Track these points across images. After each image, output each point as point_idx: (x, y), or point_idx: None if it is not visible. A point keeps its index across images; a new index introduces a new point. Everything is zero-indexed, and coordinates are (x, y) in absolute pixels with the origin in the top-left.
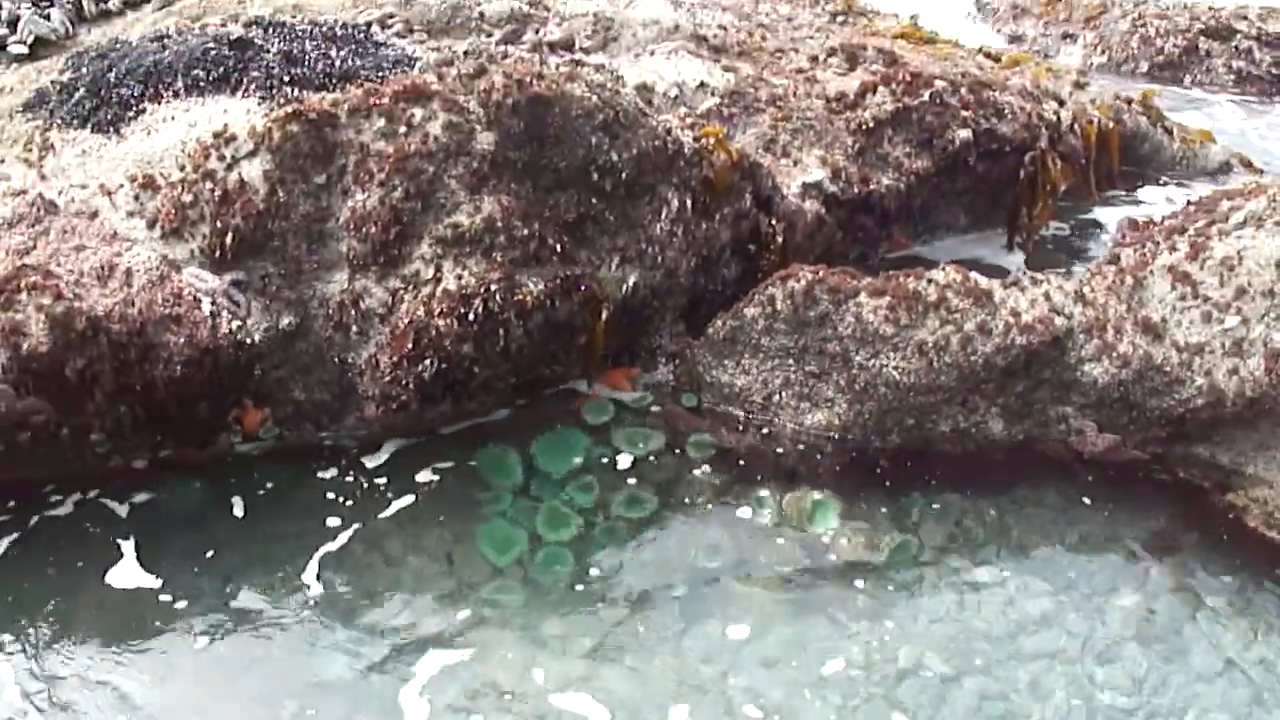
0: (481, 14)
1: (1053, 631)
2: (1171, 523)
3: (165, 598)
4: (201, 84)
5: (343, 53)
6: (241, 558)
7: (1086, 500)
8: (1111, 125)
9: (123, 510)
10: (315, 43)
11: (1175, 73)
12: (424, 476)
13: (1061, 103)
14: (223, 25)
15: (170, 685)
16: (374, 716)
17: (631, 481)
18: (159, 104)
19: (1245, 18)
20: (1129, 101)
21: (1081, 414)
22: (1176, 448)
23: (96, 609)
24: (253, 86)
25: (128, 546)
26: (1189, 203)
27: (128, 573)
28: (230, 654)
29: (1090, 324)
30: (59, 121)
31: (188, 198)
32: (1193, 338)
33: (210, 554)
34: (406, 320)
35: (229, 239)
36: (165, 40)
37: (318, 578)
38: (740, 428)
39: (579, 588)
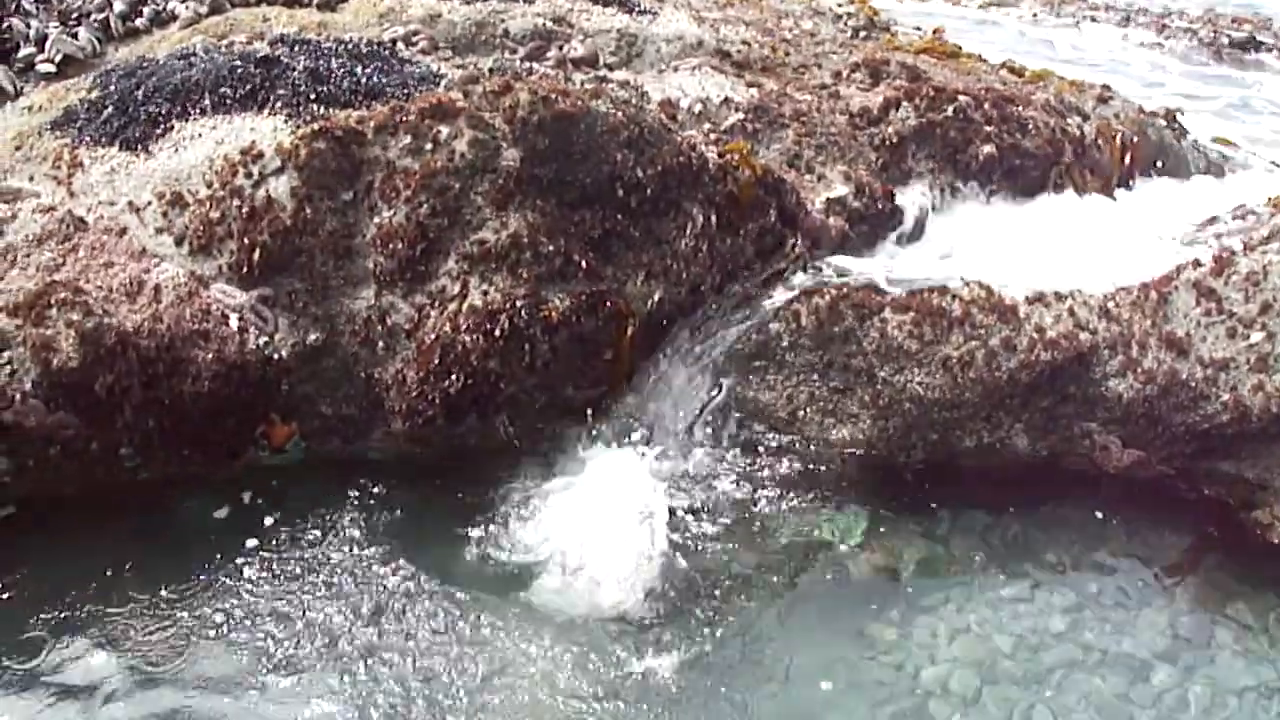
0: (506, 31)
1: (1077, 646)
2: (1196, 538)
3: (191, 607)
4: (229, 101)
5: (368, 70)
6: (266, 572)
7: (1111, 516)
8: (1135, 139)
9: (152, 522)
10: (341, 60)
11: None
12: (454, 492)
13: (1085, 117)
14: (249, 43)
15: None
16: None
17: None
18: (186, 121)
19: None
20: (1154, 115)
21: (1106, 429)
22: (1201, 463)
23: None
24: (279, 104)
25: (149, 557)
26: (1213, 218)
27: (152, 581)
28: (245, 658)
29: (1115, 339)
30: (87, 139)
31: (215, 214)
32: (1218, 353)
33: (232, 566)
34: (433, 336)
35: (256, 255)
36: (192, 58)
37: (344, 590)
38: (765, 443)
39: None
